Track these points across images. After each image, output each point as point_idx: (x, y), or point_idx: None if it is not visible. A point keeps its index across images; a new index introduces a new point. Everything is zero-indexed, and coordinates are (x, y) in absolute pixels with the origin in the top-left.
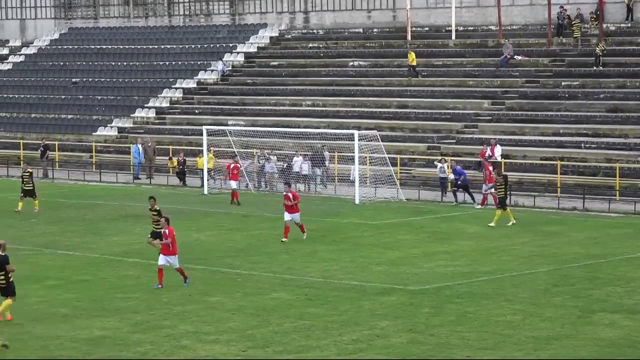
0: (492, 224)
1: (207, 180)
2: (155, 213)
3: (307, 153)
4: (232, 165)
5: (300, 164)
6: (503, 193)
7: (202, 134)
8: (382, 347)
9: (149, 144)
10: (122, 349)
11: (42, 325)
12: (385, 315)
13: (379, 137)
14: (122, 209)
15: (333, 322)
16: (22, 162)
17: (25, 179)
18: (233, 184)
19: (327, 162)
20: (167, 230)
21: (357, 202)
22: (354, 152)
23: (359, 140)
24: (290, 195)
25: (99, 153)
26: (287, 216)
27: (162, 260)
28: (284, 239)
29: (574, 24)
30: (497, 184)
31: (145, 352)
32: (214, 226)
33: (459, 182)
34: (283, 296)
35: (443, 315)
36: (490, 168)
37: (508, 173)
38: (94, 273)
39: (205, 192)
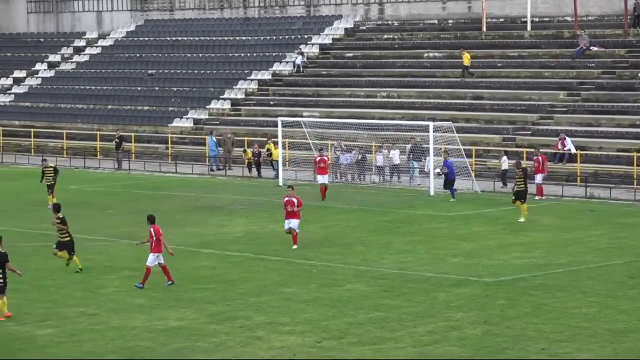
0: (521, 220)
1: (282, 171)
2: (59, 222)
3: (406, 145)
4: (317, 159)
5: (390, 156)
6: (523, 186)
7: (277, 126)
8: (457, 338)
9: (228, 136)
10: (197, 340)
11: (118, 316)
12: (460, 307)
13: (454, 128)
14: (198, 200)
15: (408, 313)
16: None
17: (47, 174)
18: (319, 179)
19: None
20: (152, 230)
21: (432, 193)
22: (428, 144)
23: (434, 131)
24: (294, 200)
25: (174, 144)
26: (286, 224)
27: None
28: (294, 247)
29: None
30: (517, 176)
31: (220, 342)
32: None
33: (448, 175)
34: (358, 287)
35: (518, 307)
36: (540, 159)
37: (585, 165)
38: (170, 264)
39: (280, 183)
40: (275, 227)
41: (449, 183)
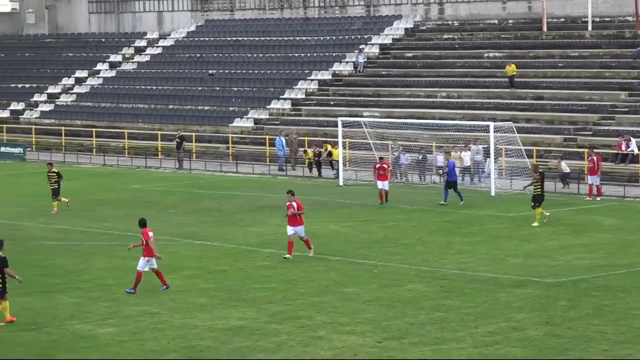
0: (535, 224)
1: (342, 171)
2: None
3: (480, 145)
4: (377, 165)
5: (462, 157)
6: (540, 190)
7: (337, 126)
8: (518, 339)
9: (294, 136)
10: (259, 339)
11: (180, 315)
12: (521, 308)
13: (514, 128)
14: (258, 200)
15: (469, 314)
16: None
17: (51, 179)
18: (379, 184)
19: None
20: (142, 233)
21: (493, 194)
22: (489, 144)
23: (494, 132)
24: (294, 204)
25: (235, 144)
26: (289, 230)
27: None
28: (287, 256)
29: None
30: (534, 180)
31: (281, 342)
32: (349, 217)
33: (448, 177)
34: (419, 288)
35: (580, 308)
36: (595, 159)
37: None
38: (231, 263)
39: (341, 183)
40: (335, 227)
41: (449, 184)
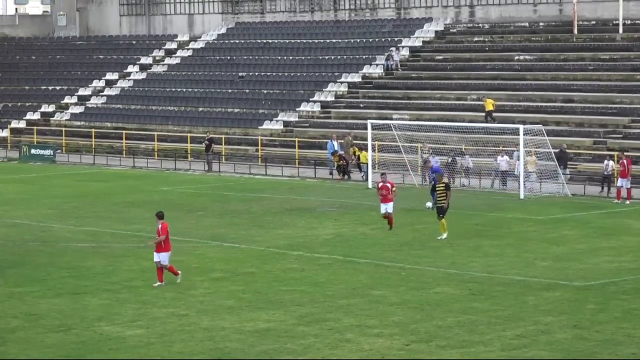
0: (444, 237)
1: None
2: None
3: (554, 150)
4: (380, 184)
5: (498, 162)
6: (444, 201)
7: (366, 128)
8: (546, 342)
9: (350, 139)
10: (286, 342)
11: (208, 317)
12: (549, 311)
13: (544, 131)
14: (287, 203)
15: (497, 317)
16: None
17: None
18: (382, 207)
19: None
20: (160, 226)
21: (522, 196)
22: (519, 147)
23: (524, 134)
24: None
25: (264, 147)
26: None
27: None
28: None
29: None
30: (438, 191)
31: (309, 344)
32: (378, 220)
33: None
34: (447, 290)
35: (608, 311)
36: (625, 162)
37: None
38: (259, 266)
39: (370, 186)
40: (364, 229)
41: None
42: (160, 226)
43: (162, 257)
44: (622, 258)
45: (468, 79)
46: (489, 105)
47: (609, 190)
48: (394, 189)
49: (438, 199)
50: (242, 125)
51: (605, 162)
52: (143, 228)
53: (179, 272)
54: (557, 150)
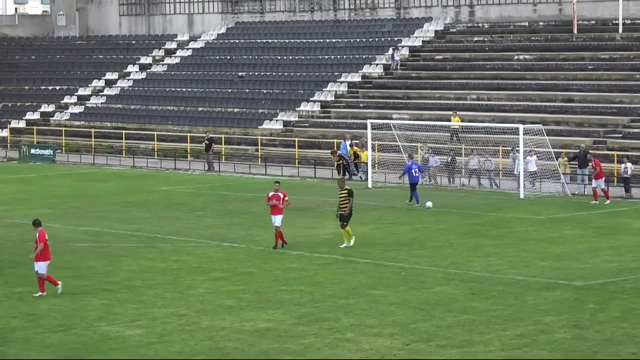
0: (350, 244)
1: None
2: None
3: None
4: (271, 193)
5: (526, 162)
6: (346, 208)
7: (366, 128)
8: (545, 342)
9: (365, 140)
10: (286, 341)
11: (207, 317)
12: (549, 311)
13: (544, 131)
14: None
15: (497, 316)
16: (189, 155)
17: None
18: (272, 219)
19: (590, 163)
20: (38, 235)
21: (521, 196)
22: (518, 146)
23: (523, 134)
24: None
25: (264, 146)
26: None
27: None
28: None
29: None
30: (340, 198)
31: (309, 344)
32: (377, 220)
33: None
34: (447, 290)
35: (608, 311)
36: (593, 163)
37: None
38: (259, 265)
39: (370, 185)
40: (364, 229)
41: (411, 187)
42: (38, 234)
43: (39, 267)
44: (621, 258)
45: (468, 78)
46: (457, 121)
47: (629, 192)
48: (286, 198)
49: (340, 205)
50: (242, 125)
51: (624, 164)
52: (143, 228)
53: (59, 282)
54: (577, 152)
